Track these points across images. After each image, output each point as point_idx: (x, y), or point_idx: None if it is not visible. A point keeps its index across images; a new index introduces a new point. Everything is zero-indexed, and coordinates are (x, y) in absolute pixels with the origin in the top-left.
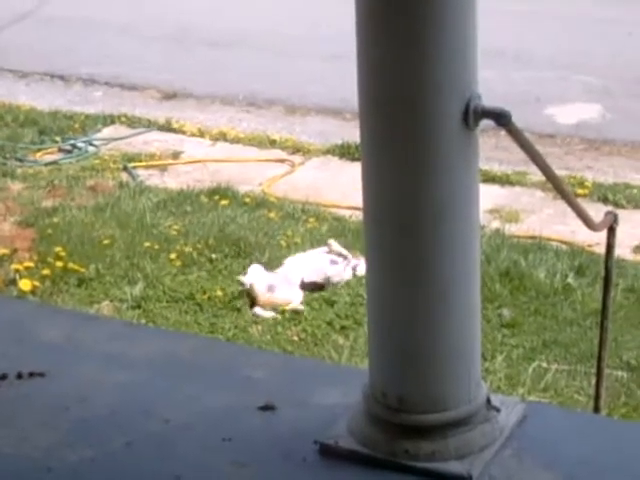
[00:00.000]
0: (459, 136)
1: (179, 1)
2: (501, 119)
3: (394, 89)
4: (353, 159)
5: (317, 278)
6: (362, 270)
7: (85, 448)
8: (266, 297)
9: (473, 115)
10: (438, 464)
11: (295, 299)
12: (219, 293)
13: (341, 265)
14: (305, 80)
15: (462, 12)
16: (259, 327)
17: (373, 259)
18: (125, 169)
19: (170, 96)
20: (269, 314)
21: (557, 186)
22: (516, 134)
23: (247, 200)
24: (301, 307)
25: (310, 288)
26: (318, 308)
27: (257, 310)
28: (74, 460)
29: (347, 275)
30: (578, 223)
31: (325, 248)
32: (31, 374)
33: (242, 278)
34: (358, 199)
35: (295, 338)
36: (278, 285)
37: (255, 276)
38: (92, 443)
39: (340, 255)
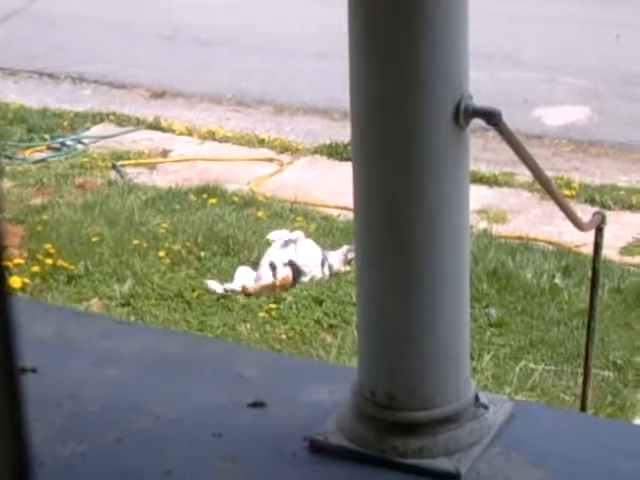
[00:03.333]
0: (450, 135)
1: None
2: (491, 118)
3: (385, 88)
4: (341, 159)
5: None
6: (335, 264)
7: (76, 443)
8: (270, 278)
9: (464, 114)
10: (426, 461)
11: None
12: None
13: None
14: (294, 80)
15: (454, 13)
16: (248, 325)
17: (363, 259)
18: (114, 167)
19: (159, 95)
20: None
21: (546, 186)
22: (506, 134)
23: (235, 199)
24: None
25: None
26: (307, 306)
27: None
28: (66, 455)
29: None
30: (565, 224)
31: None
32: (23, 370)
33: (230, 285)
34: (346, 198)
35: (283, 336)
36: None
37: (247, 274)
38: (83, 438)
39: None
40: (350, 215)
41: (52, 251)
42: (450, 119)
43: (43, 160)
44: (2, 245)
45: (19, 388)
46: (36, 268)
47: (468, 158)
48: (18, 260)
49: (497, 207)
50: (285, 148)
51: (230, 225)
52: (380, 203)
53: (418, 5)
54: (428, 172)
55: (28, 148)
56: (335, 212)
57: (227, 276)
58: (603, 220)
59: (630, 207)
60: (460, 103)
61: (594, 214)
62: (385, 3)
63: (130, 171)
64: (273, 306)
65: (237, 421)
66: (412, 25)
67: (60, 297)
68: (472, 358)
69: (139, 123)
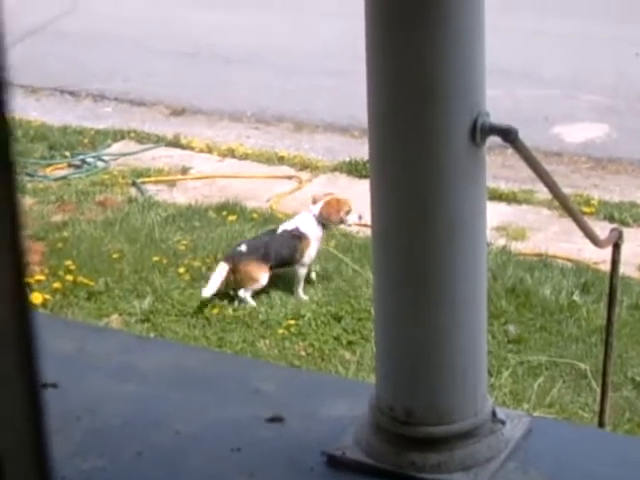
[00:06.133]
0: (467, 152)
1: (189, 17)
2: (508, 136)
3: (402, 106)
4: (361, 176)
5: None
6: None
7: (97, 458)
8: None
9: (480, 132)
10: (444, 476)
11: None
12: (227, 308)
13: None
14: (313, 97)
15: (470, 30)
16: (267, 341)
17: (381, 275)
18: (134, 184)
19: (179, 112)
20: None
21: (563, 202)
22: (523, 151)
23: (255, 216)
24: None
25: None
26: (326, 323)
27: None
28: (86, 469)
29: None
30: (584, 241)
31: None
32: (44, 385)
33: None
34: (365, 215)
35: (302, 353)
36: None
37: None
38: (104, 453)
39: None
40: (369, 232)
41: (72, 267)
42: (467, 136)
43: (64, 177)
44: (23, 262)
45: (40, 403)
46: (57, 284)
47: (485, 175)
48: (39, 276)
49: (516, 224)
50: (304, 165)
51: None
52: (397, 220)
53: (434, 22)
54: (445, 189)
55: (49, 165)
56: (354, 229)
57: None
58: (620, 237)
59: None
60: (477, 120)
61: (611, 230)
62: (401, 20)
63: (150, 188)
64: (292, 322)
65: (256, 436)
66: (428, 43)
67: (80, 313)
68: (491, 375)
69: (159, 140)
